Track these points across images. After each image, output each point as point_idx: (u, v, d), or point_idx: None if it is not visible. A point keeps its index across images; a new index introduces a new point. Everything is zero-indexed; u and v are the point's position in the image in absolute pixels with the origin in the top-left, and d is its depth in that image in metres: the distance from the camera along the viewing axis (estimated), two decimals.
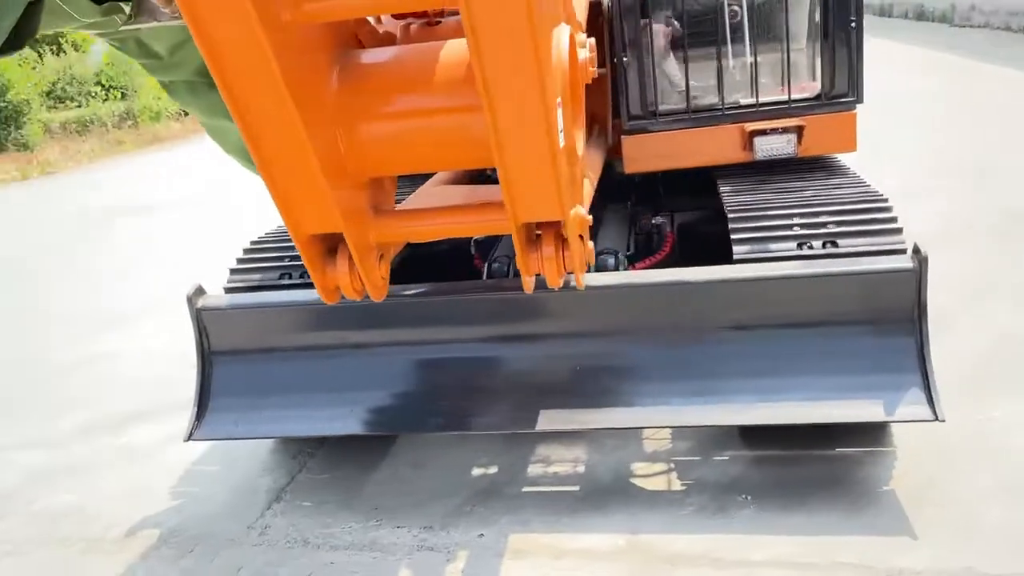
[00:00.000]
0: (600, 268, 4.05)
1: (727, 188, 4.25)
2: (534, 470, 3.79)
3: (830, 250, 3.50)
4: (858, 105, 4.20)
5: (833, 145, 4.32)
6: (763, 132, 4.20)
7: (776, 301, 3.34)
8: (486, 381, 3.54)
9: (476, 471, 3.83)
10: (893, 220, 3.57)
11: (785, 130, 4.18)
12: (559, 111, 2.38)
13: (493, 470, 3.83)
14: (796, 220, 3.67)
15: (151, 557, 3.46)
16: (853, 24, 4.04)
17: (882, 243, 3.46)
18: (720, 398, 3.30)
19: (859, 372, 3.25)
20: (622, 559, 3.12)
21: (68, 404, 5.21)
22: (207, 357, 3.75)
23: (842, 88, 4.19)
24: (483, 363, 3.56)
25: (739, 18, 4.18)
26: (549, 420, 3.37)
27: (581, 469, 3.75)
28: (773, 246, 3.58)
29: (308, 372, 3.72)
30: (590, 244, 2.75)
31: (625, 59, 4.21)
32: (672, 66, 4.33)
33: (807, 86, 4.26)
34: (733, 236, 3.66)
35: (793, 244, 3.56)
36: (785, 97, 4.22)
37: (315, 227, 2.67)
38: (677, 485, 3.55)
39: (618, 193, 5.07)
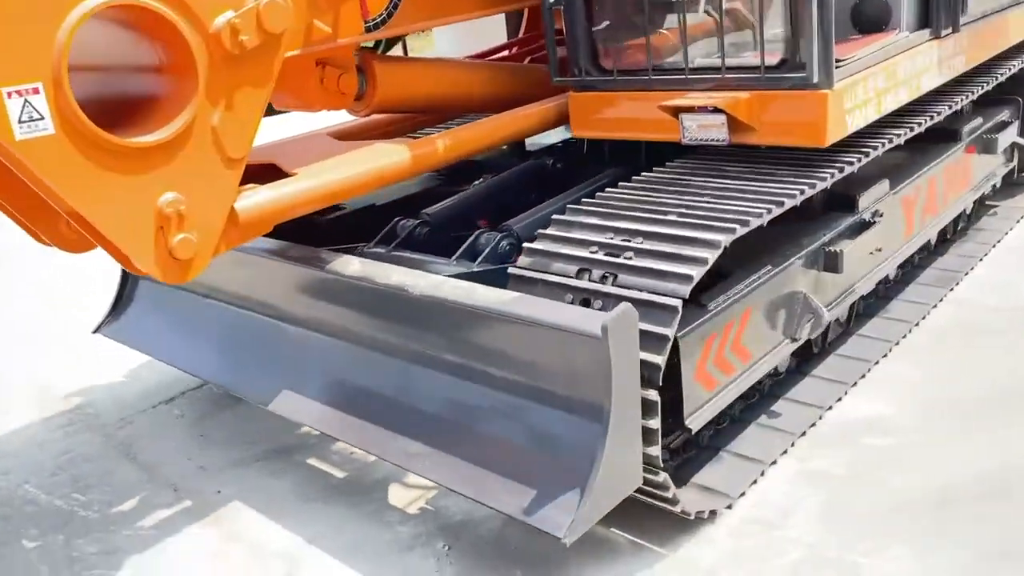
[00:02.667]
0: (475, 248, 3.57)
1: (648, 174, 3.38)
2: (341, 444, 3.64)
3: (596, 286, 2.69)
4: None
5: (790, 134, 3.12)
6: (690, 109, 3.20)
7: (476, 333, 2.71)
8: (264, 352, 3.48)
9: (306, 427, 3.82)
10: (702, 262, 2.58)
11: (715, 109, 3.13)
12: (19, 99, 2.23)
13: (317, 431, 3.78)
14: (606, 238, 2.84)
15: (47, 423, 4.16)
16: None
17: (654, 289, 2.57)
18: (400, 428, 2.85)
19: (536, 447, 2.55)
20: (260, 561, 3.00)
21: None
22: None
23: (803, 57, 2.98)
24: (274, 334, 3.47)
25: None
26: (280, 403, 3.24)
27: (373, 457, 3.52)
28: (557, 265, 2.85)
29: (201, 309, 3.92)
30: (180, 236, 2.54)
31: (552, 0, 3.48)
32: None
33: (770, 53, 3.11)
34: (526, 244, 2.98)
35: (575, 268, 2.80)
36: (733, 64, 3.14)
37: None
38: (416, 507, 3.18)
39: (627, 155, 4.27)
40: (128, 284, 4.23)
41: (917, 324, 4.07)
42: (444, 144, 3.37)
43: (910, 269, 4.54)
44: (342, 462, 3.53)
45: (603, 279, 2.71)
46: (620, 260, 2.72)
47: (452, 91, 3.88)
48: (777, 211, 2.87)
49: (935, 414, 3.39)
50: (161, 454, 3.76)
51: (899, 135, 3.54)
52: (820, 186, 3.06)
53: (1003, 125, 4.88)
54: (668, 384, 2.73)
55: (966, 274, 4.57)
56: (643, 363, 2.46)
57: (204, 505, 3.34)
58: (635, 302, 2.54)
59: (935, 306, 4.24)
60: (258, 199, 2.83)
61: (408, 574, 2.83)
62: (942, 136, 4.44)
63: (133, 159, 2.42)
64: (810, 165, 3.20)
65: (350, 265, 3.10)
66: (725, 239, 2.65)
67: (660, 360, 2.46)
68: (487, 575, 2.78)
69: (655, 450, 2.53)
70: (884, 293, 4.29)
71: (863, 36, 3.62)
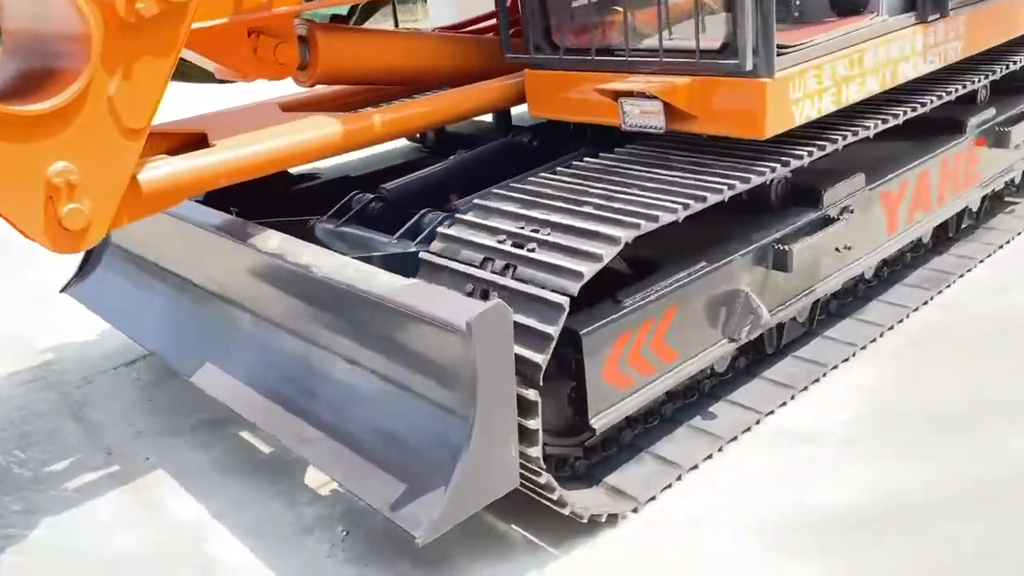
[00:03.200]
0: (418, 227, 3.49)
1: (590, 160, 3.24)
2: None
3: (495, 277, 2.58)
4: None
5: (730, 124, 2.93)
6: (629, 94, 3.04)
7: (368, 320, 2.63)
8: (190, 323, 3.49)
9: None
10: (597, 259, 2.45)
11: (653, 95, 2.96)
12: None
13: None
14: (516, 227, 2.73)
15: (11, 379, 4.26)
16: None
17: (546, 284, 2.45)
18: (298, 411, 2.82)
19: (412, 441, 2.48)
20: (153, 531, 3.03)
21: None
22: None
23: (739, 42, 2.78)
24: (199, 305, 3.47)
25: None
26: (200, 377, 3.24)
27: None
28: (465, 253, 2.75)
29: (144, 278, 3.94)
30: (69, 206, 2.52)
31: None
32: None
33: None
34: (440, 229, 2.89)
35: (481, 257, 2.69)
36: (671, 47, 2.97)
37: None
38: (328, 489, 3.14)
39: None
40: (96, 247, 4.26)
41: (891, 328, 3.83)
42: (381, 119, 3.28)
43: (900, 269, 4.28)
44: (269, 437, 3.51)
45: (504, 270, 2.60)
46: (523, 252, 2.61)
47: (409, 64, 3.75)
48: (697, 207, 2.70)
49: (882, 426, 3.19)
50: (108, 416, 3.82)
51: (868, 127, 3.31)
52: (756, 181, 2.87)
53: (1020, 117, 4.54)
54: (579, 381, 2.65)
55: (961, 276, 4.29)
56: (524, 361, 2.36)
57: (131, 471, 3.38)
58: (526, 296, 2.45)
59: (916, 309, 3.99)
60: (168, 170, 2.79)
61: (301, 557, 2.81)
62: (946, 128, 4.15)
63: (19, 127, 2.39)
64: (757, 158, 3.01)
65: (269, 241, 3.05)
66: (626, 235, 2.51)
67: (541, 359, 2.35)
68: (376, 566, 2.73)
69: (536, 451, 2.42)
70: (864, 293, 4.06)
71: (838, 19, 3.39)
